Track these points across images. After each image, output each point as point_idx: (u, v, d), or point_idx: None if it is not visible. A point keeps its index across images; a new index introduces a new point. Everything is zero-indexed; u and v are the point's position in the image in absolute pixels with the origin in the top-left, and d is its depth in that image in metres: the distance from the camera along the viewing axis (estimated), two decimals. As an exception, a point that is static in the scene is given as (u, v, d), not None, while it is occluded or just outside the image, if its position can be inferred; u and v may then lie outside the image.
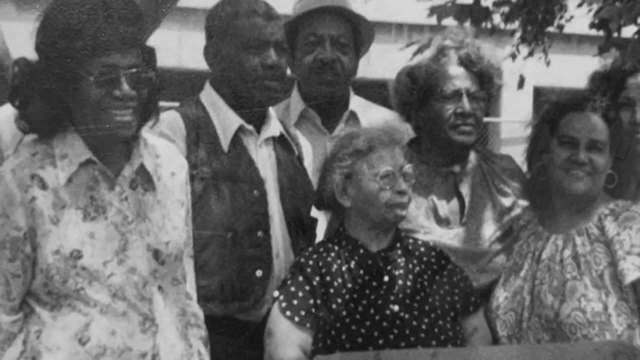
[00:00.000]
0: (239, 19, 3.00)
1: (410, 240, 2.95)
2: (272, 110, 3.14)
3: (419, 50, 5.84)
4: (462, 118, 3.16)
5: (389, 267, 2.81)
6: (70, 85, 2.27)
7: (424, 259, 2.91)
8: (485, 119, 3.78)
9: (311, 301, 2.71)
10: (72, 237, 2.28)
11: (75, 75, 2.25)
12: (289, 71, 3.26)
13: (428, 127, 3.25)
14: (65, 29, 2.26)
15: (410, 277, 2.82)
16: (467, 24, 7.02)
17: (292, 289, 2.73)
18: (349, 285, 2.75)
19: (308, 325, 2.69)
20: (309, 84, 3.64)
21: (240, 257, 2.91)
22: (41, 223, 2.27)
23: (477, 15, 7.19)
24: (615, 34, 7.00)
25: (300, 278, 2.74)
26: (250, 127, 3.03)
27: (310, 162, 3.30)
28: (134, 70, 2.31)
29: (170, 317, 2.42)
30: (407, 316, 2.73)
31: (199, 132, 2.96)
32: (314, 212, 3.16)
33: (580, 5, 7.27)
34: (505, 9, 7.26)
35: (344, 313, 2.70)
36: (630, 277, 2.91)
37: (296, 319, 2.68)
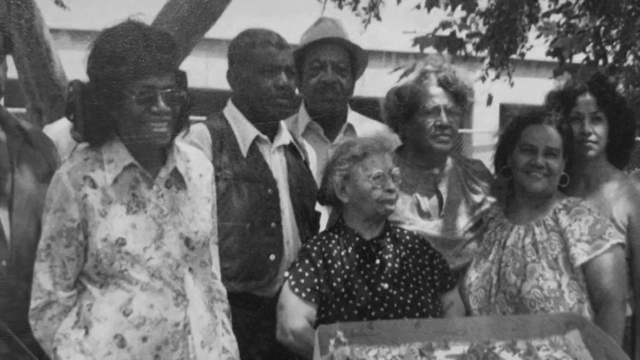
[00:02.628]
0: (256, 48, 3.00)
1: (398, 230, 2.95)
2: (283, 123, 3.15)
3: (405, 74, 5.83)
4: (441, 129, 3.16)
5: (380, 252, 2.82)
6: (115, 102, 2.28)
7: (409, 245, 2.91)
8: (460, 130, 3.77)
9: (315, 280, 2.71)
10: (117, 228, 2.28)
11: (120, 95, 2.26)
12: (297, 91, 3.26)
13: (412, 136, 3.25)
14: (111, 56, 2.26)
15: (398, 260, 2.83)
16: (445, 52, 7.02)
17: (300, 270, 2.73)
18: (347, 267, 2.75)
19: (313, 300, 2.69)
20: (314, 101, 3.64)
21: (256, 243, 2.91)
22: (92, 216, 2.27)
23: (452, 44, 7.19)
24: (568, 60, 6.99)
25: (307, 261, 2.75)
26: (265, 137, 3.04)
27: (315, 166, 3.30)
28: (168, 90, 2.31)
29: (198, 293, 2.43)
30: (395, 292, 2.73)
31: (223, 141, 2.97)
32: (318, 207, 3.16)
33: (538, 36, 7.26)
34: (476, 39, 7.25)
35: (343, 290, 2.70)
36: (579, 260, 2.90)
37: (303, 294, 2.68)
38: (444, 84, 3.21)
